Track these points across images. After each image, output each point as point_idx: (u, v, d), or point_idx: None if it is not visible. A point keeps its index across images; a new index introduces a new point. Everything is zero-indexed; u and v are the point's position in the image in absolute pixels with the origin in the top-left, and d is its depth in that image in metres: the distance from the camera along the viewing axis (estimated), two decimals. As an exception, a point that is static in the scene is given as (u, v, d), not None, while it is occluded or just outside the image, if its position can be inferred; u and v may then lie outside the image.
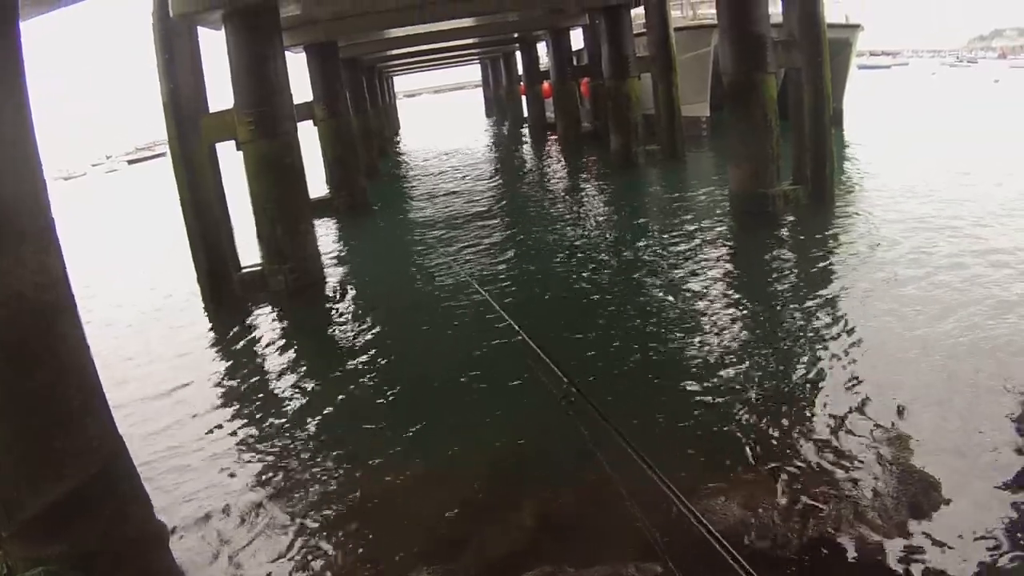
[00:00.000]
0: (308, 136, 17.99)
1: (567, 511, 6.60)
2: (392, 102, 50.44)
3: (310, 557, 6.51)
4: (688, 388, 9.02)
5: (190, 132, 12.97)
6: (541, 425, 8.08)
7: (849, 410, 8.02)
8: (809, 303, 11.22)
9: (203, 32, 13.81)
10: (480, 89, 57.64)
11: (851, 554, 5.84)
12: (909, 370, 8.78)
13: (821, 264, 12.91)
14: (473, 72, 71.80)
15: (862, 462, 7.01)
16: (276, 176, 13.13)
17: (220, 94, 13.41)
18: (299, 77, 17.76)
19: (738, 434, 7.83)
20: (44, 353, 4.86)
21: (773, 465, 7.16)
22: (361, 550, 6.55)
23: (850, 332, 10.13)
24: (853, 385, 8.64)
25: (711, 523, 6.12)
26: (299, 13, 17.07)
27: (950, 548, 5.75)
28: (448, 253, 16.33)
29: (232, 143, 13.27)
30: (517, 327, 8.83)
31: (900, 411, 7.81)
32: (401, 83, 64.85)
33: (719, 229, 15.89)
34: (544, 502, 6.72)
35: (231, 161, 13.72)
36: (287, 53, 14.99)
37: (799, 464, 7.15)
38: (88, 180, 35.29)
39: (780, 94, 16.84)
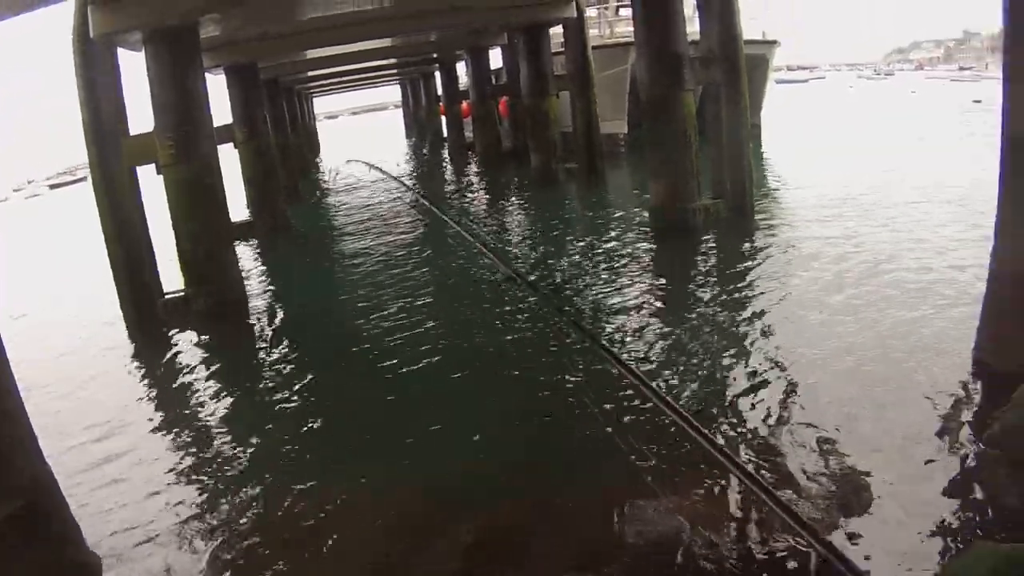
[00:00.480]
0: (229, 159, 17.90)
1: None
2: (312, 123, 50.23)
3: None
4: (613, 398, 9.15)
5: (111, 155, 12.82)
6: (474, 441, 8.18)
7: (767, 414, 8.24)
8: (731, 313, 11.47)
9: (123, 54, 13.68)
10: (400, 110, 57.64)
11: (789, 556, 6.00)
12: (826, 374, 9.04)
13: (743, 275, 13.17)
14: (393, 92, 72.00)
15: (782, 461, 7.21)
16: (197, 199, 13.03)
17: (141, 116, 13.28)
18: (218, 99, 17.64)
19: (669, 441, 7.99)
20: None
21: (705, 469, 7.32)
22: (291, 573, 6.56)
23: (770, 338, 10.39)
24: (770, 390, 8.87)
25: (645, 532, 6.29)
26: (219, 34, 16.98)
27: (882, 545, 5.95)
28: (367, 275, 16.34)
29: (153, 166, 13.17)
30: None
31: (819, 413, 8.04)
32: (321, 104, 64.66)
33: (640, 243, 16.12)
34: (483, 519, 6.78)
35: (153, 185, 13.57)
36: (207, 74, 14.91)
37: (732, 469, 7.31)
38: (10, 205, 34.59)
39: (698, 110, 17.11)
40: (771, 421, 8.11)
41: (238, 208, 21.07)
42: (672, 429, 8.02)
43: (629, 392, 9.06)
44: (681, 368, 9.83)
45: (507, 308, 12.95)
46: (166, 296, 13.75)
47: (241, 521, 7.41)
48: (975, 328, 8.64)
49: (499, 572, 6.03)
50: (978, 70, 52.75)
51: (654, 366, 9.87)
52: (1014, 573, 4.37)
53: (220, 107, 17.75)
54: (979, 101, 38.69)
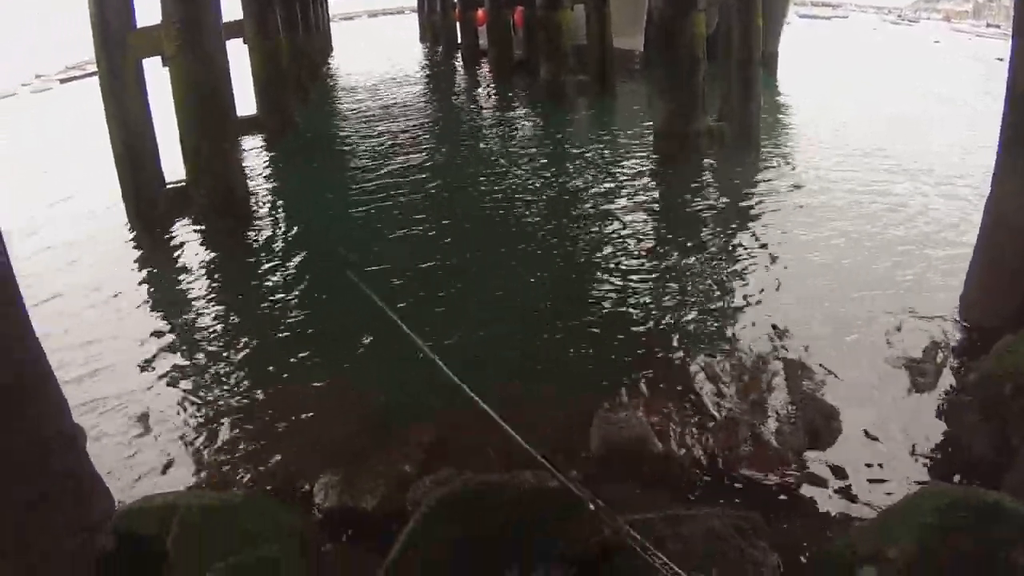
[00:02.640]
0: (239, 56, 17.86)
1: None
2: (326, 24, 49.61)
3: (223, 462, 6.73)
4: (601, 313, 9.34)
5: (117, 49, 12.79)
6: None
7: (754, 340, 8.39)
8: (720, 239, 11.58)
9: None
10: (416, 15, 56.86)
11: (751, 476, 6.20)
12: (807, 310, 9.18)
13: (740, 200, 13.26)
14: (410, -4, 70.94)
15: (769, 392, 7.38)
16: (202, 92, 12.99)
17: (148, 13, 13.20)
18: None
19: (646, 357, 8.18)
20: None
21: (680, 385, 7.51)
22: (273, 454, 6.80)
23: (760, 264, 10.53)
24: (758, 316, 9.02)
25: (616, 441, 6.47)
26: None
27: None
28: (371, 178, 16.41)
29: (159, 60, 13.14)
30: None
31: (795, 346, 8.20)
32: (336, 5, 63.84)
33: (641, 162, 16.14)
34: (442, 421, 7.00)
35: (159, 80, 13.55)
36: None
37: (703, 388, 7.49)
38: (18, 100, 34.31)
39: (713, 37, 16.99)
40: (744, 348, 8.28)
41: (248, 104, 21.03)
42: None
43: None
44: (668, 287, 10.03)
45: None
46: (167, 186, 13.82)
47: (223, 403, 7.68)
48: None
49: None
50: (1006, 28, 51.75)
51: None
52: (958, 514, 4.47)
53: (232, 3, 17.64)
54: (1002, 59, 37.69)
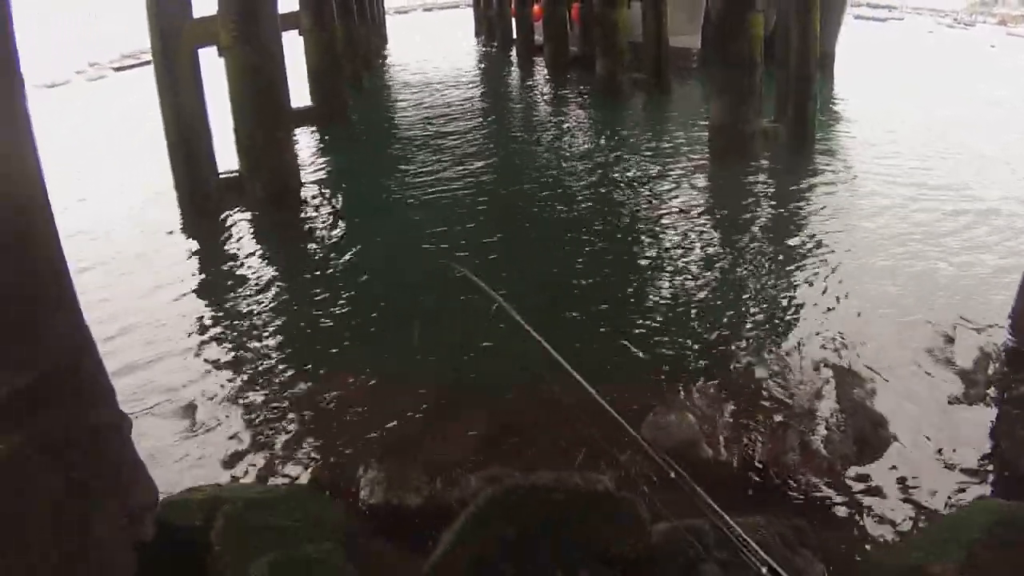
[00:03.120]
0: (294, 47, 17.93)
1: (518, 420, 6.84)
2: (382, 16, 49.79)
3: (268, 453, 6.72)
4: (653, 312, 9.26)
5: (173, 39, 12.86)
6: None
7: (805, 345, 8.27)
8: (776, 241, 11.44)
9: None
10: (471, 9, 56.89)
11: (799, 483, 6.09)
12: (870, 310, 9.05)
13: (794, 202, 13.11)
14: (466, -10, 71.01)
15: (820, 398, 7.26)
16: (256, 82, 13.05)
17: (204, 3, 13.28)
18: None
19: (697, 358, 8.09)
20: (16, 247, 4.93)
21: (730, 389, 7.41)
22: (319, 446, 6.78)
23: (813, 267, 10.39)
24: (809, 320, 8.89)
25: (666, 443, 6.39)
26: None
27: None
28: (425, 171, 16.42)
29: (215, 50, 13.20)
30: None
31: (846, 353, 8.07)
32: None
33: (694, 159, 16.03)
34: (497, 411, 6.94)
35: (215, 70, 13.62)
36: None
37: (757, 391, 7.40)
38: (72, 88, 34.64)
39: (771, 36, 16.84)
40: (796, 352, 8.17)
41: (302, 96, 21.13)
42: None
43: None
44: (719, 288, 9.93)
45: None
46: (220, 176, 13.89)
47: (272, 393, 7.68)
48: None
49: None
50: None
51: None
52: (1008, 532, 4.37)
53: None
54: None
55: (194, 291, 10.60)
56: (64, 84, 35.14)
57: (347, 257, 11.60)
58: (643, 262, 11.06)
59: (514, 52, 37.57)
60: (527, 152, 18.38)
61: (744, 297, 9.76)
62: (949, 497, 5.88)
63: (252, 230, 12.91)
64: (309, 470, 6.49)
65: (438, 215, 13.32)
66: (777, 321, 9.04)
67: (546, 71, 31.03)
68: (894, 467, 6.26)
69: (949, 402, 7.19)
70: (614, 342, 8.64)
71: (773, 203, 13.37)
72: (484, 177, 15.88)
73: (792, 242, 11.43)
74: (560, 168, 16.47)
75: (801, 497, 5.96)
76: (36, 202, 5.13)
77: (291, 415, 7.34)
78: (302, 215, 13.76)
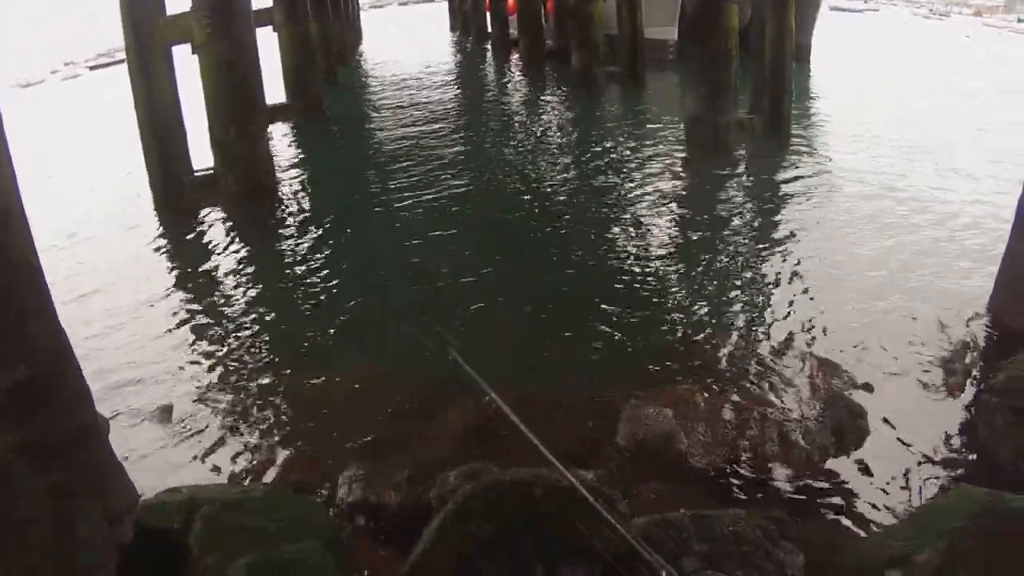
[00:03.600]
0: (269, 43, 17.86)
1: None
2: (356, 11, 49.59)
3: (246, 454, 6.69)
4: (628, 306, 9.27)
5: (146, 36, 12.77)
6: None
7: (783, 336, 8.30)
8: (752, 233, 11.48)
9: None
10: (446, 3, 56.74)
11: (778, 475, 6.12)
12: (846, 300, 9.09)
13: (769, 193, 13.15)
14: (440, -15, 70.82)
15: (798, 389, 7.29)
16: (231, 78, 12.98)
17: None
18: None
19: (673, 351, 8.11)
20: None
21: (708, 381, 7.43)
22: (298, 446, 6.76)
23: (789, 259, 10.43)
24: (787, 312, 8.92)
25: (643, 437, 6.41)
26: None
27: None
28: (400, 166, 16.39)
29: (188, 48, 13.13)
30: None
31: (825, 343, 8.11)
32: (367, -7, 63.96)
33: (670, 152, 16.07)
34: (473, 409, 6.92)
35: (188, 68, 13.53)
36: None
37: (735, 383, 7.42)
38: (47, 87, 34.35)
39: (745, 30, 16.89)
40: (773, 344, 8.20)
41: (277, 92, 21.05)
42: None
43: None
44: (695, 281, 9.97)
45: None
46: (195, 174, 13.80)
47: (249, 393, 7.66)
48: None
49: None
50: (1039, 24, 50.99)
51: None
52: (995, 519, 4.39)
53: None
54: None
55: (169, 290, 10.52)
56: (38, 84, 34.86)
57: (323, 253, 11.57)
58: (617, 255, 11.06)
59: (489, 46, 37.49)
60: (502, 145, 18.36)
61: (720, 289, 9.78)
62: (929, 486, 5.92)
63: (227, 227, 12.84)
64: (287, 470, 6.46)
65: (414, 210, 13.29)
66: (754, 313, 9.07)
67: (521, 65, 30.98)
68: (874, 457, 6.30)
69: (928, 391, 7.24)
70: (589, 336, 8.65)
71: (749, 195, 13.40)
72: (459, 172, 15.83)
73: (768, 234, 11.46)
74: (535, 162, 16.47)
75: (781, 489, 5.98)
76: (9, 204, 5.09)
77: (269, 414, 7.31)
78: (277, 211, 13.71)
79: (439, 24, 51.68)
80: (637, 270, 10.45)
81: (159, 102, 12.97)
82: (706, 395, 7.13)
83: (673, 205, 13.04)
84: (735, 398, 7.16)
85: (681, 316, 9.08)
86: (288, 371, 8.09)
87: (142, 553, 4.57)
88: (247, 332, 9.12)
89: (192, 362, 8.42)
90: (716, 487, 6.02)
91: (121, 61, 18.79)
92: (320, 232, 12.51)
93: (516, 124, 21.28)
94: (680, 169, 15.11)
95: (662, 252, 11.01)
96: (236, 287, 10.51)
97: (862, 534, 5.40)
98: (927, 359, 7.75)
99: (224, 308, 9.84)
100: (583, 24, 24.85)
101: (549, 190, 14.33)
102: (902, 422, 6.71)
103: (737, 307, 9.29)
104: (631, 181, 14.45)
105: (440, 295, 9.79)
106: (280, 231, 12.84)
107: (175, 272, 11.23)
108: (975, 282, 9.32)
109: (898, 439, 6.52)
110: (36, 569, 4.02)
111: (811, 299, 9.30)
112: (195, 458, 6.69)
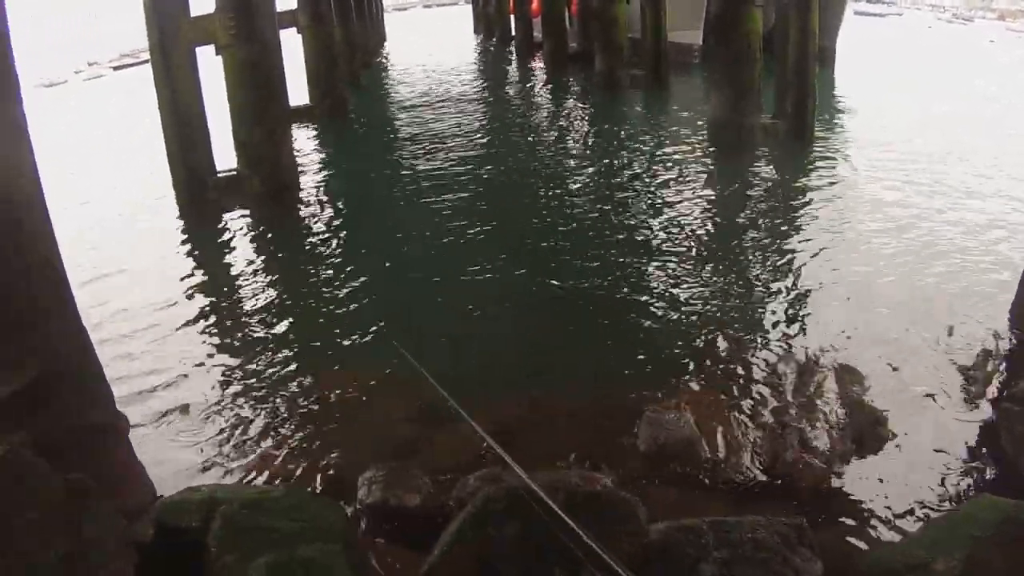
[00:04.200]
0: (293, 45, 17.92)
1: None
2: (380, 14, 49.68)
3: (266, 454, 6.70)
4: (650, 309, 9.26)
5: (170, 37, 12.83)
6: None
7: (804, 342, 8.26)
8: (775, 237, 11.42)
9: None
10: (470, 6, 56.79)
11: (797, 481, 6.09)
12: (870, 306, 9.04)
13: (792, 197, 13.11)
14: (465, -13, 70.92)
15: (819, 396, 7.25)
16: (254, 79, 13.04)
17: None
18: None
19: (694, 355, 8.08)
20: (12, 249, 4.92)
21: (726, 386, 7.40)
22: (318, 447, 6.77)
23: (812, 264, 10.38)
24: (810, 317, 8.88)
25: (663, 442, 6.39)
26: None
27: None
28: (424, 167, 16.42)
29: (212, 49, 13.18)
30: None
31: (848, 350, 8.06)
32: (391, -5, 64.18)
33: (692, 154, 16.04)
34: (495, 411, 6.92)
35: (212, 69, 13.59)
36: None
37: (755, 388, 7.39)
38: (70, 87, 34.49)
39: (770, 34, 16.86)
40: (794, 349, 8.16)
41: (301, 94, 21.13)
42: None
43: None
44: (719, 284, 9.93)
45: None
46: (218, 174, 13.85)
47: (270, 393, 7.67)
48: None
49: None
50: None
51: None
52: (1018, 528, 4.36)
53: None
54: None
55: (192, 290, 10.55)
56: (62, 84, 35.01)
57: (345, 255, 11.59)
58: (640, 258, 11.03)
59: (513, 48, 37.49)
60: (526, 148, 18.38)
61: (742, 294, 9.75)
62: (950, 495, 5.87)
63: (251, 228, 12.89)
64: (307, 470, 6.47)
65: (438, 211, 13.31)
66: (776, 318, 9.01)
67: (545, 67, 30.97)
68: (894, 464, 6.24)
69: (949, 399, 7.18)
70: (611, 339, 8.64)
71: (771, 198, 13.36)
72: (482, 173, 15.88)
73: (791, 238, 11.41)
74: (557, 164, 16.50)
75: (800, 495, 5.95)
76: (32, 205, 5.13)
77: (289, 415, 7.31)
78: (300, 212, 13.76)
79: (463, 26, 51.73)
80: (656, 272, 10.43)
81: (183, 103, 13.01)
82: (727, 401, 7.11)
83: (694, 207, 12.99)
84: (756, 404, 7.14)
85: (702, 319, 9.05)
86: (309, 372, 8.09)
87: (161, 551, 4.59)
88: (269, 333, 9.14)
89: (214, 362, 8.44)
90: (735, 492, 6.00)
91: (145, 62, 18.86)
92: (342, 234, 12.54)
93: (539, 127, 21.30)
94: (702, 171, 15.07)
95: (683, 254, 10.97)
96: (259, 288, 10.54)
97: (883, 542, 5.36)
98: (948, 366, 7.69)
99: (247, 309, 9.87)
100: (607, 27, 24.85)
101: (571, 191, 14.33)
102: (923, 429, 6.65)
103: (758, 311, 9.25)
104: (652, 183, 14.44)
105: (462, 293, 9.82)
106: (303, 232, 12.86)
107: (198, 272, 11.25)
108: (999, 287, 9.24)
109: (919, 447, 6.47)
110: (52, 566, 4.04)
111: (833, 305, 9.25)
112: (215, 457, 6.71)
